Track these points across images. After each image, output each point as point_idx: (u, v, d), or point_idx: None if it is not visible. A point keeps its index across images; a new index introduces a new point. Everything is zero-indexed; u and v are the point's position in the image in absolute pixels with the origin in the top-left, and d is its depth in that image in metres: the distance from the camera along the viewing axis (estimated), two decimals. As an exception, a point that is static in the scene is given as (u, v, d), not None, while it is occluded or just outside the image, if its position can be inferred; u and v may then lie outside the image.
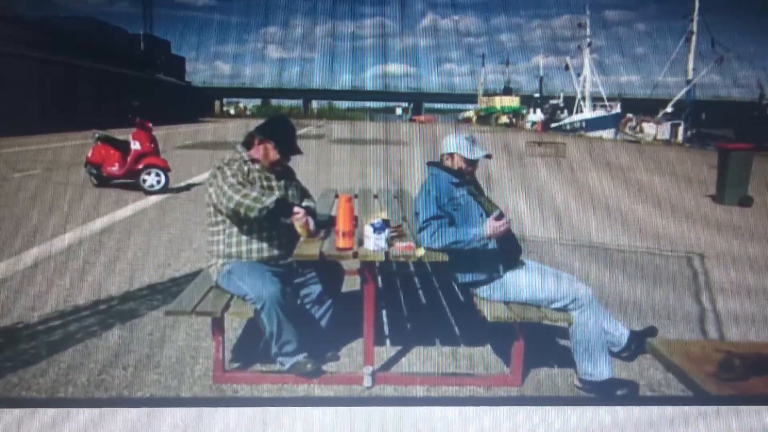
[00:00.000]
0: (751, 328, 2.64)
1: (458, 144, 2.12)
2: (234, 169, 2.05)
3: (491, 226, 1.99)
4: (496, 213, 2.00)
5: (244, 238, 2.05)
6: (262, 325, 1.98)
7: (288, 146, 2.10)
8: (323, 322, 2.17)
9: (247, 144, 2.12)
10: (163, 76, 22.04)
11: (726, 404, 1.84)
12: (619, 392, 1.95)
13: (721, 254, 3.94)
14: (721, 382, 2.00)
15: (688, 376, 2.06)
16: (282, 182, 2.14)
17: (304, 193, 2.26)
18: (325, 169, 7.73)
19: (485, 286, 2.08)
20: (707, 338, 2.53)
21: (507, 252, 2.08)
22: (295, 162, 2.20)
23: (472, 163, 2.15)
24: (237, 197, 1.95)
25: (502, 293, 2.05)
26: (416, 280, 3.11)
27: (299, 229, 2.03)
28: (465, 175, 2.15)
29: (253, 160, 2.10)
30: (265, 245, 2.07)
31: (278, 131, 2.10)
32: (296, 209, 2.04)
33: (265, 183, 2.09)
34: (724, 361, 2.06)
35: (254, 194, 1.98)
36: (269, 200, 1.96)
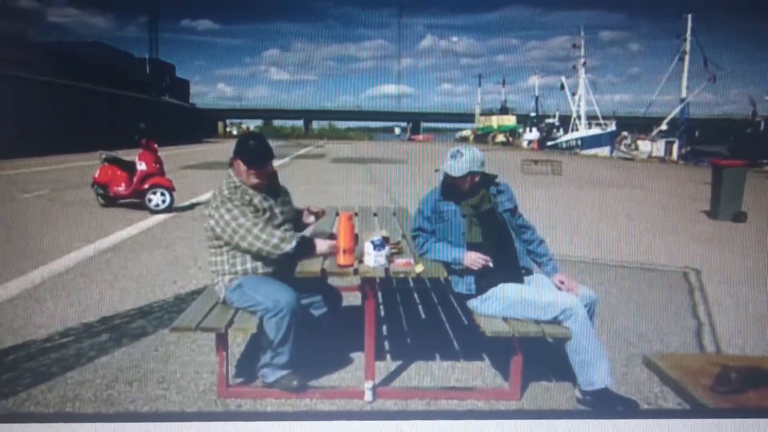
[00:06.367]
0: (747, 341, 2.67)
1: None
2: (237, 198, 2.05)
3: (470, 258, 2.06)
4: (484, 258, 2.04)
5: (248, 257, 2.09)
6: (265, 336, 2.00)
7: (250, 159, 2.06)
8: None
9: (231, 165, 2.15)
10: (168, 99, 22.48)
11: (722, 417, 1.87)
12: (617, 408, 1.96)
13: (716, 269, 3.98)
14: (717, 395, 2.02)
15: (685, 389, 2.08)
16: (278, 199, 2.17)
17: (297, 214, 2.28)
18: (325, 188, 7.82)
19: (474, 300, 2.12)
20: (704, 352, 2.56)
21: (489, 275, 2.09)
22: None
23: (452, 176, 2.11)
24: (258, 244, 2.00)
25: (495, 307, 2.08)
26: (415, 295, 3.16)
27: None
28: (457, 191, 2.14)
29: (242, 181, 2.11)
30: (268, 261, 2.10)
31: (242, 147, 2.11)
32: (319, 248, 2.06)
33: (265, 204, 2.11)
34: (721, 375, 2.08)
35: (275, 240, 2.00)
36: (289, 246, 2.01)
